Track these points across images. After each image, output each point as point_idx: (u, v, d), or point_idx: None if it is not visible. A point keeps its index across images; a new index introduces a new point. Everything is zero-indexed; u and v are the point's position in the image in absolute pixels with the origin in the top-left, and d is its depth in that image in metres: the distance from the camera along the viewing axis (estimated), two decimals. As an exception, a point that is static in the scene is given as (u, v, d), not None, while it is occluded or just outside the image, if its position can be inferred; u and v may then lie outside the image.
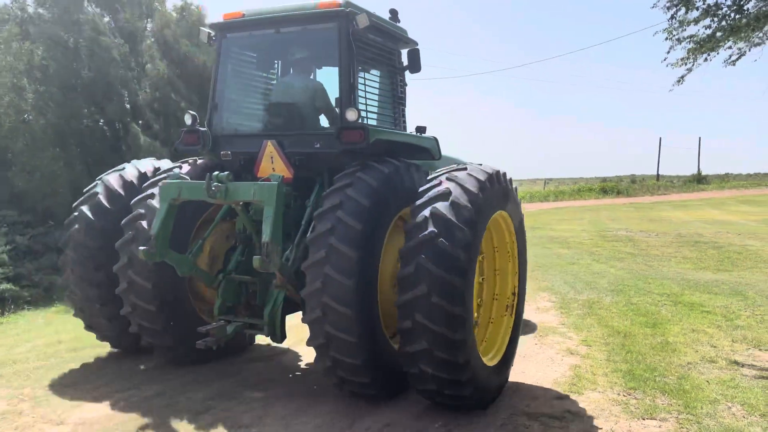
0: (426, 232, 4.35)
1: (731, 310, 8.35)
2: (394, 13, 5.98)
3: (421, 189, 4.69)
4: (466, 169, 4.80)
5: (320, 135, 5.46)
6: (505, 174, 5.12)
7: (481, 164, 5.01)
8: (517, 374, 5.87)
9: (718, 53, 8.97)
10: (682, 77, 9.28)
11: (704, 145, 67.00)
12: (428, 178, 4.85)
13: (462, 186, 4.56)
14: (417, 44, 6.15)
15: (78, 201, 6.02)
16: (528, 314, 7.91)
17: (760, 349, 6.64)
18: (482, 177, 4.70)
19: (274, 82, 6.20)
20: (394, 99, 6.14)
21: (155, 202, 5.36)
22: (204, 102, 12.32)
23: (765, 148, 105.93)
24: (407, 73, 6.19)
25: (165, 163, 6.32)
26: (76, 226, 5.81)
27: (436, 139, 6.07)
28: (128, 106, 11.74)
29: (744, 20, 7.09)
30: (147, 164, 6.26)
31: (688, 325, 7.59)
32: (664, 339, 7.01)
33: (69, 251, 5.85)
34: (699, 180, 52.28)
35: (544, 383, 5.67)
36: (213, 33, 5.82)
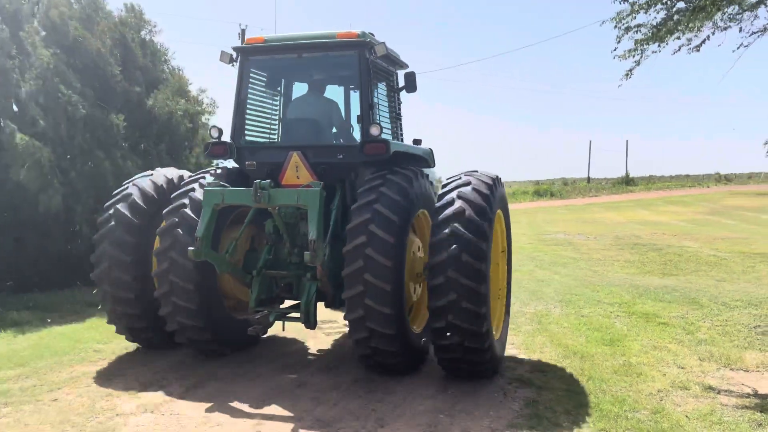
0: (453, 226, 5.19)
1: (689, 321, 7.68)
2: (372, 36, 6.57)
3: (441, 195, 5.53)
4: (472, 178, 5.59)
5: (343, 147, 6.29)
6: (500, 179, 5.91)
7: (476, 171, 5.80)
8: (462, 416, 4.83)
9: (667, 44, 8.39)
10: (630, 70, 8.62)
11: (631, 147, 69.49)
12: (444, 186, 5.65)
13: (477, 191, 5.47)
14: (408, 66, 6.91)
15: (110, 201, 6.33)
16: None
17: (731, 369, 5.91)
18: (486, 190, 5.51)
19: (295, 100, 6.84)
20: (395, 115, 6.87)
21: (197, 194, 5.85)
22: (100, 95, 10.76)
23: (685, 150, 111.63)
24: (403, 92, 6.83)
25: (185, 173, 6.85)
26: (113, 223, 6.10)
27: (431, 150, 7.02)
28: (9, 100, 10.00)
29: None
30: (172, 172, 6.76)
31: (648, 341, 6.82)
32: (626, 360, 6.18)
33: (106, 246, 6.07)
34: (627, 182, 53.89)
35: (498, 426, 4.65)
36: (235, 54, 6.33)
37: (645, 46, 8.24)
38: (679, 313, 8.09)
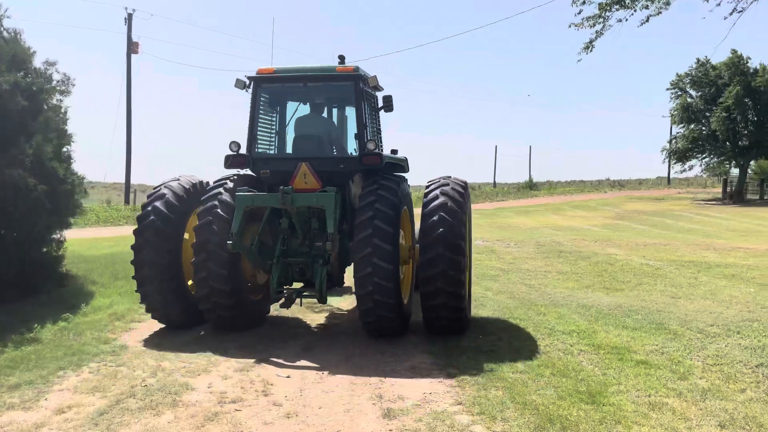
0: (440, 216, 6.60)
1: (672, 357, 6.06)
2: (342, 57, 7.76)
3: (426, 199, 6.90)
4: (450, 180, 7.15)
5: (344, 158, 7.65)
6: (467, 183, 7.36)
7: (450, 177, 7.29)
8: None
9: (635, 11, 6.89)
10: (591, 42, 7.07)
11: (533, 153, 71.36)
12: (428, 187, 7.11)
13: (456, 191, 6.96)
14: (383, 89, 8.10)
15: (148, 200, 7.30)
16: (397, 383, 5.16)
17: (768, 441, 4.25)
18: (461, 189, 7.05)
19: (300, 118, 7.97)
20: (377, 130, 8.04)
21: (225, 197, 6.94)
22: None
23: (579, 157, 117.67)
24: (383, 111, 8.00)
25: (204, 179, 7.94)
26: (152, 217, 7.05)
27: (406, 158, 8.44)
28: None
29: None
30: (194, 178, 7.81)
31: (638, 394, 5.06)
32: (622, 430, 4.36)
33: (147, 234, 6.99)
34: (531, 186, 54.69)
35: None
36: (248, 82, 7.49)
37: (609, 13, 6.72)
38: (654, 344, 6.49)
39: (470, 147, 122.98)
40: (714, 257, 13.80)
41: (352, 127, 7.86)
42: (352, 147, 7.90)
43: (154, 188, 7.52)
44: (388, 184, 6.82)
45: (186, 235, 7.37)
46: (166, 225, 7.05)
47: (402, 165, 8.25)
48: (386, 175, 7.18)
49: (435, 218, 6.52)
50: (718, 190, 47.59)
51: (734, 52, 36.13)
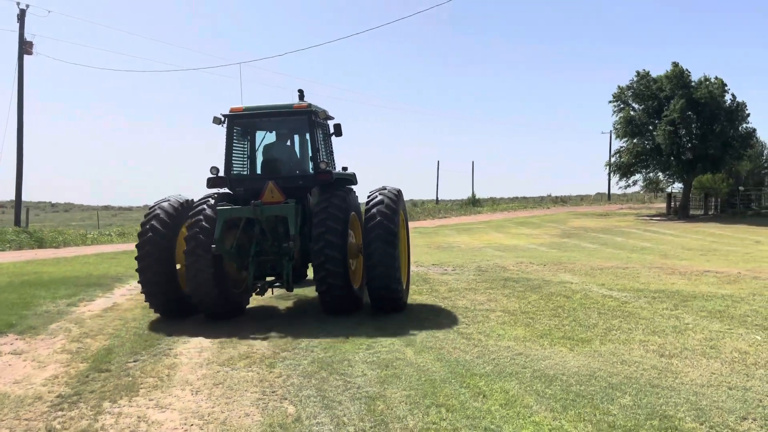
0: (377, 218, 8.56)
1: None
2: (301, 92, 9.80)
3: (367, 202, 8.89)
4: (386, 189, 9.11)
5: (302, 176, 9.51)
6: (401, 191, 9.35)
7: (386, 187, 9.18)
8: None
9: None
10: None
11: (475, 169, 69.57)
12: (369, 195, 9.03)
13: (389, 198, 8.87)
14: (333, 117, 10.13)
15: (146, 218, 9.10)
16: None
17: None
18: (395, 196, 8.98)
19: (267, 146, 10.04)
20: (329, 152, 10.04)
21: (208, 212, 8.61)
22: None
23: (523, 174, 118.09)
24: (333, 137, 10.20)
25: (190, 198, 9.67)
26: (150, 234, 8.82)
27: (354, 173, 10.45)
28: None
29: None
30: (180, 197, 9.53)
31: None
32: None
33: (147, 247, 8.74)
34: (474, 203, 52.82)
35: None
36: (223, 118, 9.34)
37: None
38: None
39: (413, 162, 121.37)
40: (684, 284, 11.53)
41: (308, 151, 9.76)
42: (309, 167, 9.63)
43: (150, 208, 9.36)
44: (338, 194, 8.88)
45: (178, 245, 8.99)
46: (161, 238, 8.81)
47: (350, 179, 10.20)
48: (338, 188, 9.13)
49: (375, 211, 8.56)
50: (659, 206, 47.04)
51: (675, 65, 35.30)
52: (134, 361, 6.83)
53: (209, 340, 7.82)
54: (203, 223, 8.48)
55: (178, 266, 9.05)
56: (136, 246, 8.91)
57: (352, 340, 7.43)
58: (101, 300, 11.15)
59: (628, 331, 7.59)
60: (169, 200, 9.30)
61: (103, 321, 9.17)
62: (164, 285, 8.81)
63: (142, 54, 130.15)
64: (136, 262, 8.90)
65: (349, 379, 5.77)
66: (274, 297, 10.89)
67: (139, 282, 8.98)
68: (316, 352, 6.94)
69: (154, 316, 9.36)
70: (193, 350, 7.31)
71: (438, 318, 8.69)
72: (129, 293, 11.86)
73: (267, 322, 8.76)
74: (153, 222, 8.91)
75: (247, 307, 9.71)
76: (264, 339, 7.69)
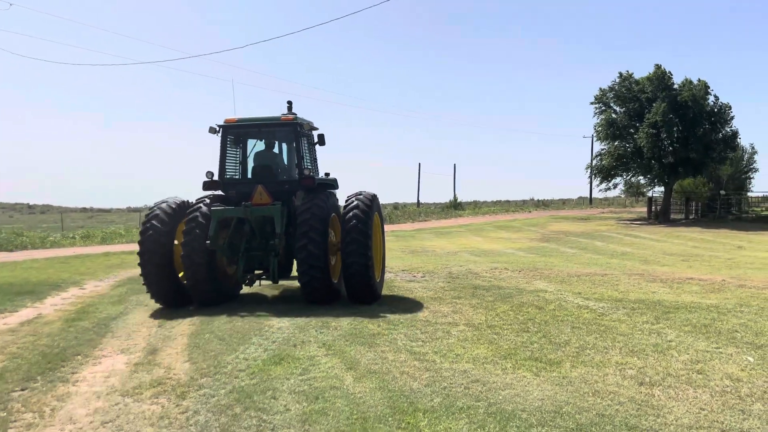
0: (353, 221, 9.53)
1: None
2: (290, 103, 11.22)
3: (345, 206, 9.87)
4: (362, 194, 10.04)
5: (288, 181, 10.59)
6: (376, 195, 10.34)
7: (361, 192, 10.14)
8: None
9: None
10: None
11: (458, 172, 69.07)
12: (347, 200, 10.00)
13: (364, 203, 9.82)
14: (318, 128, 11.49)
15: (146, 218, 10.03)
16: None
17: None
18: (369, 200, 9.91)
19: (257, 154, 10.96)
20: (314, 159, 11.34)
21: (204, 210, 9.74)
22: None
23: (506, 178, 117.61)
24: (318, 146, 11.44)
25: (187, 199, 10.63)
26: (150, 232, 9.69)
27: (335, 179, 11.31)
28: None
29: None
30: (177, 199, 10.42)
31: None
32: None
33: (148, 243, 9.63)
34: (455, 206, 51.99)
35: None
36: (218, 128, 10.43)
37: None
38: None
39: (395, 165, 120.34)
40: (666, 294, 10.69)
41: (293, 158, 10.81)
42: (294, 173, 10.69)
43: (150, 209, 10.33)
44: (320, 197, 9.84)
45: (176, 241, 9.97)
46: (160, 236, 9.73)
47: (332, 184, 11.10)
48: (320, 192, 10.09)
49: (351, 214, 9.59)
50: (640, 210, 46.61)
51: (658, 67, 34.79)
52: (21, 390, 5.75)
53: (126, 359, 6.78)
54: (200, 220, 9.57)
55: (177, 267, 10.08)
56: (138, 242, 9.81)
57: (288, 359, 6.43)
58: (26, 311, 10.02)
59: (603, 351, 6.66)
60: (167, 201, 10.24)
61: (13, 337, 8.04)
62: (162, 276, 9.68)
63: (110, 49, 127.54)
64: (138, 257, 9.85)
65: (265, 417, 4.75)
66: (261, 287, 11.99)
67: (141, 275, 9.92)
68: (240, 378, 5.90)
69: (73, 330, 8.27)
70: (100, 375, 6.23)
71: (392, 333, 7.70)
72: (61, 302, 10.73)
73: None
74: (153, 221, 9.82)
75: (240, 293, 11.03)
76: (187, 361, 6.60)
